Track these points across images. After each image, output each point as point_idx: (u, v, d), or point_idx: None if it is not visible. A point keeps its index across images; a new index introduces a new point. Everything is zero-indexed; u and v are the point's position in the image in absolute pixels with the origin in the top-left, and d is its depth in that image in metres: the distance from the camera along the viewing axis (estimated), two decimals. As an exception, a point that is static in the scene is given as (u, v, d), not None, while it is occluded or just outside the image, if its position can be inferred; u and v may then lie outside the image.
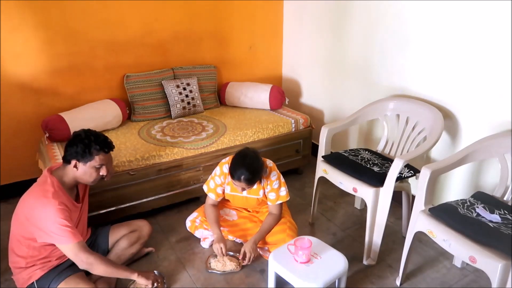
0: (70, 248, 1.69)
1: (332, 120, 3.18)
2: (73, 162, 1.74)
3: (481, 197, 1.89)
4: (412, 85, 2.46)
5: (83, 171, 1.76)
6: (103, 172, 1.82)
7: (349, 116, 2.49)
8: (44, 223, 1.65)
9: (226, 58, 3.40)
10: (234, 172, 1.99)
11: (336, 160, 2.29)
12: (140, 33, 2.95)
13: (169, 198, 2.58)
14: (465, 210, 1.75)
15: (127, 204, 2.44)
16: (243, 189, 2.10)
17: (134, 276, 1.85)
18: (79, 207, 1.86)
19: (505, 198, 1.92)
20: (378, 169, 2.15)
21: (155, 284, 1.89)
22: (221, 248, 2.07)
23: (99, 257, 1.75)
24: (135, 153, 2.43)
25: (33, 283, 1.76)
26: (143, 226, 2.15)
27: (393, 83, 2.59)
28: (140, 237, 2.12)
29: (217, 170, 2.21)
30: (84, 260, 1.70)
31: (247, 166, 1.97)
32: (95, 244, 2.04)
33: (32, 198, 1.70)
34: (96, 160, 1.76)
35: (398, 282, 2.03)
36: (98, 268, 1.74)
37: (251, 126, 2.83)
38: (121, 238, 2.07)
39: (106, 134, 2.63)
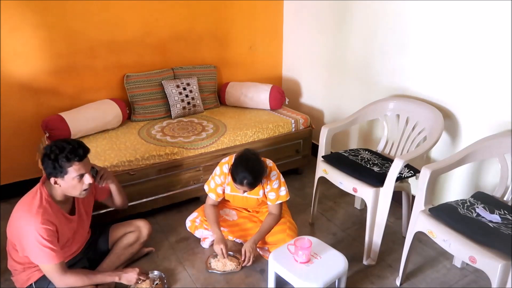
0: (48, 268, 1.67)
1: (332, 120, 3.19)
2: (52, 179, 1.67)
3: (481, 197, 1.89)
4: (412, 85, 2.46)
5: (66, 186, 1.68)
6: (87, 180, 1.71)
7: (349, 116, 2.49)
8: (25, 239, 1.63)
9: (226, 58, 3.40)
10: (236, 175, 1.98)
11: (336, 160, 2.29)
12: (140, 33, 2.95)
13: (169, 198, 2.58)
14: (465, 210, 1.75)
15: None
16: (244, 191, 2.09)
17: (117, 279, 1.85)
18: (74, 219, 1.81)
19: (505, 198, 1.92)
20: (378, 169, 2.15)
21: (140, 280, 1.89)
22: (222, 249, 2.07)
23: (75, 275, 1.72)
24: (135, 153, 2.43)
25: (31, 284, 1.76)
26: (143, 226, 2.14)
27: (393, 83, 2.59)
28: (140, 237, 2.12)
29: (217, 170, 2.21)
30: (59, 282, 1.69)
31: (250, 170, 1.96)
32: (95, 244, 2.04)
33: (20, 210, 1.67)
34: (71, 171, 1.65)
35: (398, 282, 2.03)
36: (77, 284, 1.72)
37: (251, 126, 2.83)
38: (121, 238, 2.08)
39: (106, 134, 2.68)
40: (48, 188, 1.72)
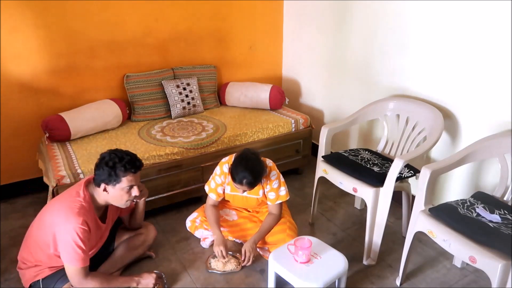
0: (72, 269, 1.68)
1: (332, 120, 3.19)
2: (102, 186, 1.72)
3: (481, 197, 1.89)
4: (412, 85, 2.46)
5: (114, 194, 1.73)
6: (134, 193, 1.77)
7: (349, 116, 2.49)
8: (61, 236, 1.64)
9: (226, 58, 3.40)
10: (236, 175, 1.98)
11: (336, 160, 2.29)
12: (140, 33, 2.95)
13: (169, 198, 2.58)
14: (465, 210, 1.75)
15: (127, 204, 2.44)
16: (244, 191, 2.10)
17: (135, 284, 1.85)
18: (103, 227, 1.83)
19: (505, 198, 1.92)
20: (378, 169, 2.15)
21: (157, 285, 1.90)
22: (222, 251, 2.07)
23: (95, 280, 1.73)
24: (135, 153, 2.41)
25: (38, 281, 1.76)
26: (149, 230, 2.15)
27: (393, 83, 2.59)
28: (145, 241, 2.12)
29: (217, 169, 2.21)
30: (78, 285, 1.70)
31: (250, 169, 1.96)
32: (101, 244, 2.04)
33: (59, 207, 1.69)
34: (124, 181, 1.72)
35: (398, 282, 2.03)
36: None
37: (251, 126, 2.83)
38: (126, 240, 2.08)
39: (106, 134, 2.68)
40: (91, 192, 1.74)
